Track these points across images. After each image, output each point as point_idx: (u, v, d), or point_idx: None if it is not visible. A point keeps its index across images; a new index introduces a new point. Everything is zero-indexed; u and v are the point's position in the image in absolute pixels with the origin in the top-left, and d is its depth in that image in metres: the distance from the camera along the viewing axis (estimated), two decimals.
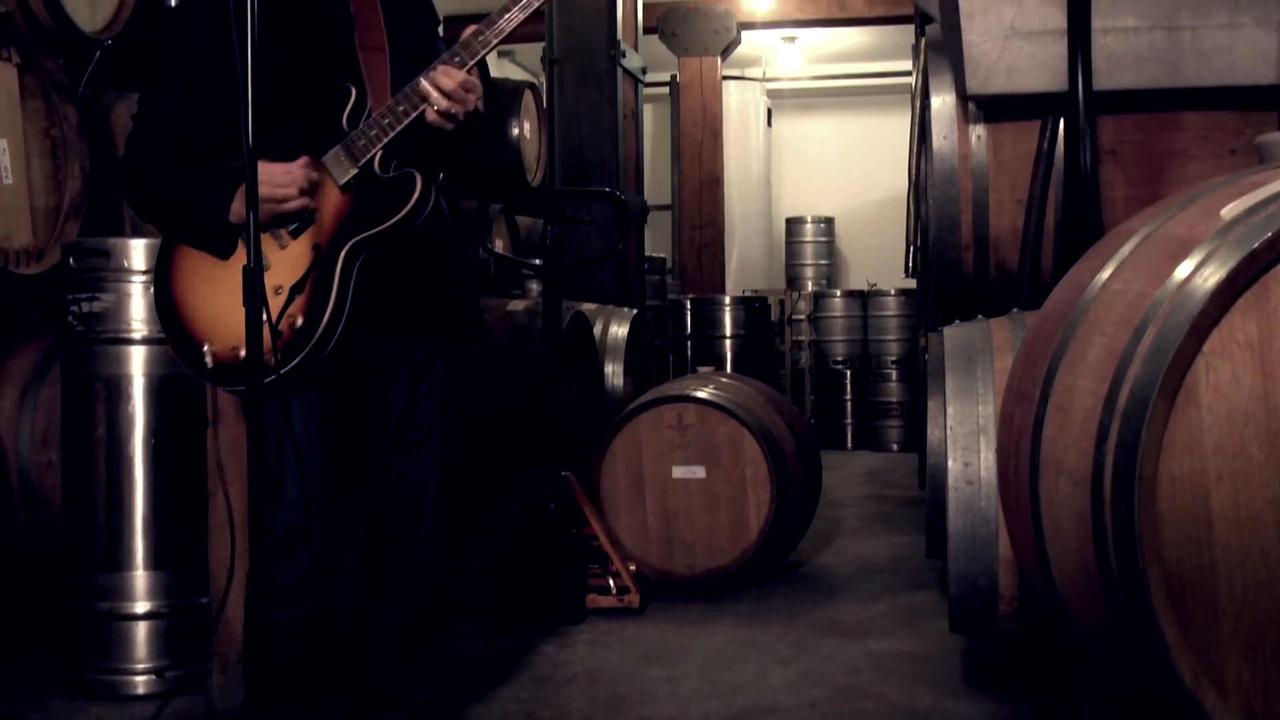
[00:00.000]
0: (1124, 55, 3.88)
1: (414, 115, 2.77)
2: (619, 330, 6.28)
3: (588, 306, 6.19)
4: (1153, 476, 1.96)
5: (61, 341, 4.03)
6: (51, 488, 4.29)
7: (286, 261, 2.81)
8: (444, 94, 2.74)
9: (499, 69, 12.97)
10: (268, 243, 2.79)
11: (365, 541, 3.08)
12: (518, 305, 5.82)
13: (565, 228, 5.23)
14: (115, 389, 3.88)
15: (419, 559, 3.05)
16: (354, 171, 2.81)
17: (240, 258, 2.78)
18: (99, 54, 5.00)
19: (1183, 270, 2.02)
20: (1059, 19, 3.88)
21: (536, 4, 2.70)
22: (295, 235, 2.81)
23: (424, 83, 2.74)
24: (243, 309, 2.66)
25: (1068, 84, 3.88)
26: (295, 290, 2.78)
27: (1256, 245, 1.92)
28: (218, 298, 2.83)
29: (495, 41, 2.78)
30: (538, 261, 5.26)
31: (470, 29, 2.79)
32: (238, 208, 2.77)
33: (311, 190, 2.79)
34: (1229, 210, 2.06)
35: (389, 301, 2.91)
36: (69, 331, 3.94)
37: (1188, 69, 3.86)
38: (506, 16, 2.74)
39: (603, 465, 5.28)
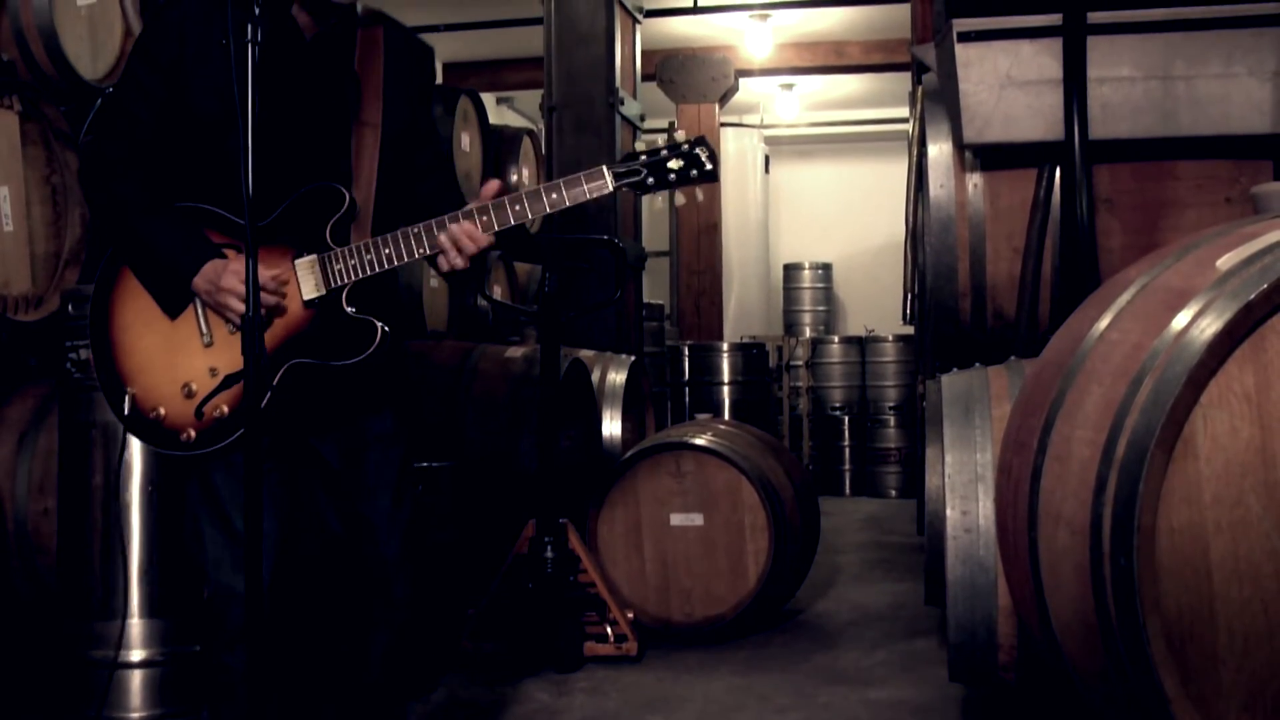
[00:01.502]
0: (1119, 105, 3.90)
1: (398, 264, 2.71)
2: (617, 377, 6.28)
3: (585, 353, 6.19)
4: (1151, 528, 1.95)
5: (60, 388, 4.03)
6: (48, 535, 4.28)
7: (230, 348, 2.71)
8: (462, 254, 2.69)
9: (497, 115, 13.03)
10: (217, 321, 2.73)
11: (337, 586, 3.03)
12: (515, 352, 5.83)
13: (563, 275, 5.24)
14: (113, 436, 3.87)
15: (395, 603, 2.95)
16: (321, 293, 2.73)
17: (186, 317, 2.75)
18: (100, 100, 5.02)
19: (1179, 321, 2.02)
20: (1055, 68, 3.91)
21: (558, 206, 2.68)
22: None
23: (443, 238, 2.69)
24: (173, 371, 2.68)
25: (1064, 133, 3.90)
26: (230, 380, 2.71)
27: (1253, 297, 1.92)
28: (152, 347, 2.77)
29: (529, 220, 2.74)
30: (536, 308, 5.27)
31: (491, 185, 2.74)
32: (199, 283, 2.70)
33: (276, 298, 2.71)
34: (1225, 261, 2.07)
35: (316, 407, 2.84)
36: (67, 378, 3.94)
37: (1183, 118, 3.89)
38: (580, 189, 2.69)
39: (600, 512, 5.27)
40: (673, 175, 2.72)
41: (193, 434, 2.72)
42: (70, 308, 3.95)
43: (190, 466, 2.83)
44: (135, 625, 3.84)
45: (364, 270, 2.72)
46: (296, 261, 2.74)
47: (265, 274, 2.65)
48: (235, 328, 2.71)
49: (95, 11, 4.91)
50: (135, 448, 3.86)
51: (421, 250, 2.71)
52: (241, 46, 2.43)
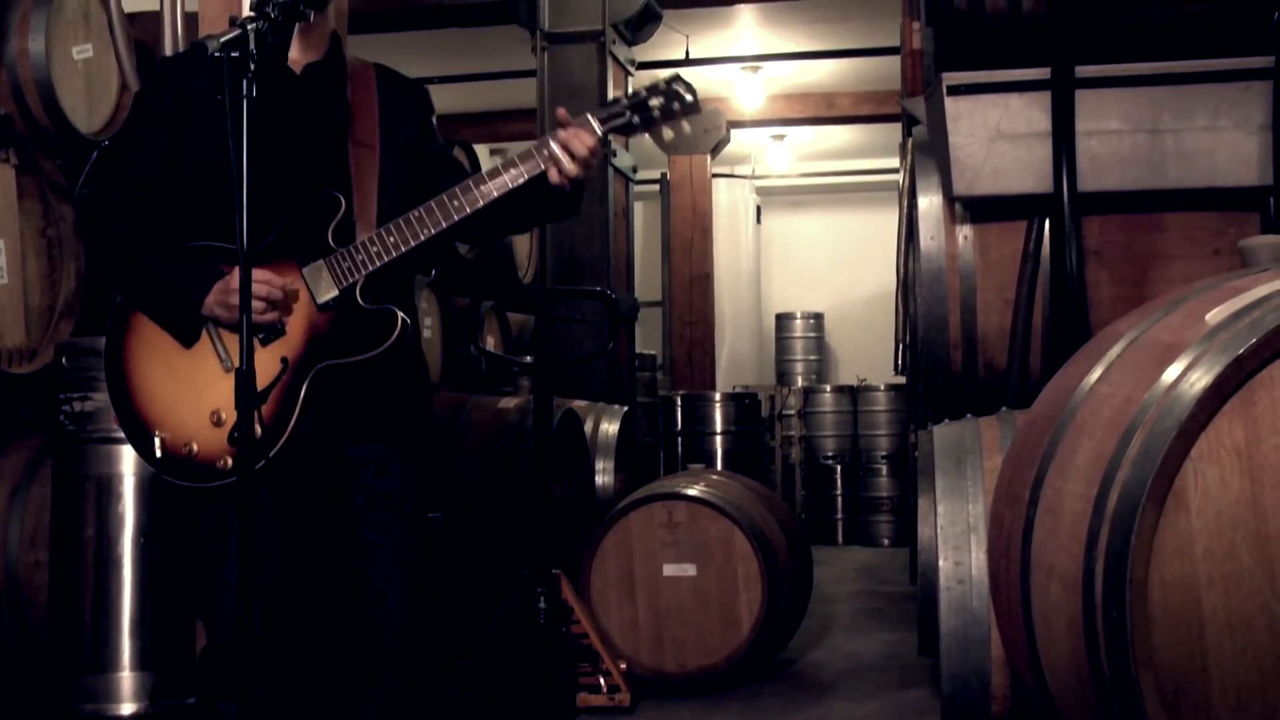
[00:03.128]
0: (1108, 157, 3.94)
1: (406, 249, 2.73)
2: (610, 427, 6.29)
3: (578, 404, 6.20)
4: (1144, 581, 1.96)
5: (53, 440, 4.04)
6: (39, 587, 4.26)
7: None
8: (575, 158, 2.73)
9: (491, 165, 13.09)
10: (234, 342, 2.72)
11: (338, 645, 3.01)
12: (509, 403, 5.83)
13: (557, 326, 5.25)
14: (106, 489, 3.87)
15: (390, 663, 2.92)
16: (334, 293, 2.75)
17: (203, 347, 2.76)
18: (96, 154, 5.06)
19: (1169, 375, 2.04)
20: (1043, 121, 3.95)
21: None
22: (264, 343, 2.73)
23: (554, 147, 2.72)
24: (198, 403, 2.66)
25: (1053, 186, 3.93)
26: (258, 400, 2.67)
27: (1242, 351, 1.94)
28: (173, 385, 2.77)
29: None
30: (529, 359, 5.28)
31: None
32: (211, 301, 2.72)
33: (288, 303, 2.73)
34: (1214, 315, 2.08)
35: (350, 411, 2.85)
36: (60, 431, 3.95)
37: (1170, 171, 3.92)
38: (540, 156, 2.74)
39: (593, 563, 5.26)
40: (656, 112, 2.77)
41: (229, 461, 2.69)
42: (64, 360, 3.96)
43: (203, 508, 2.81)
44: (126, 678, 3.83)
45: (373, 262, 2.74)
46: (304, 270, 2.76)
47: (272, 277, 2.68)
48: (257, 339, 2.70)
49: (91, 66, 4.95)
50: (128, 500, 3.86)
51: (427, 230, 2.72)
52: (237, 102, 2.45)
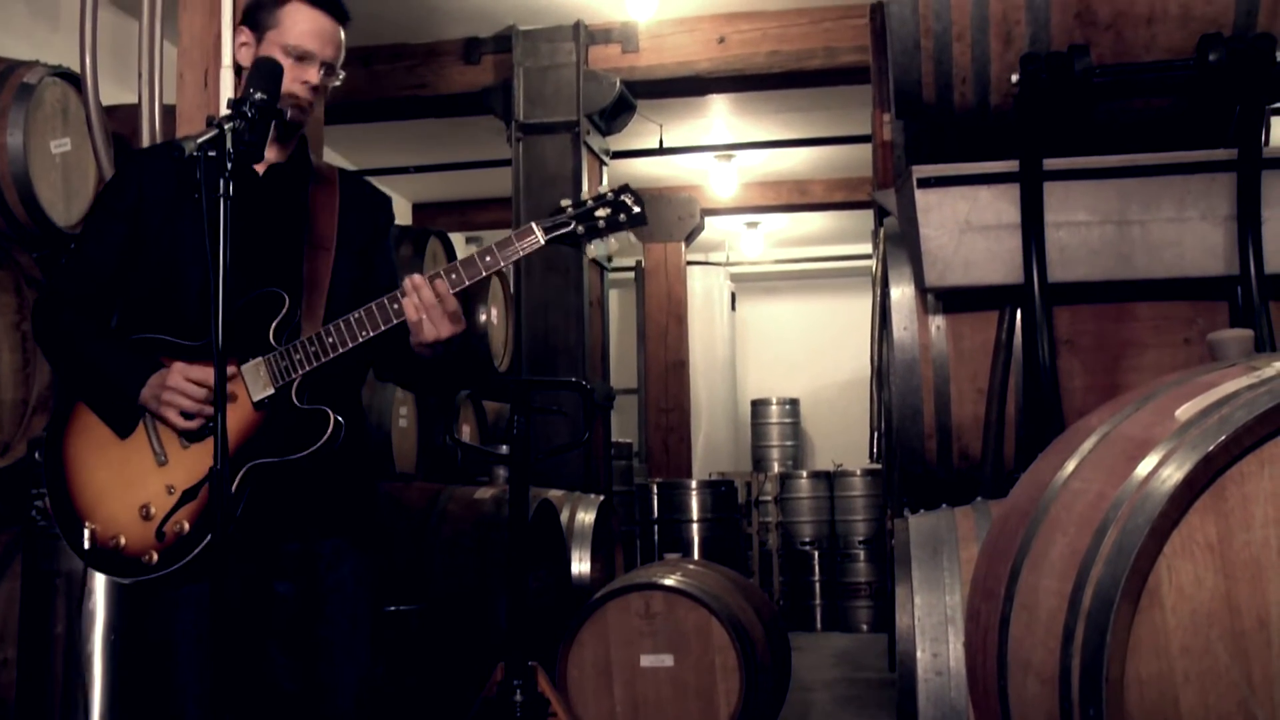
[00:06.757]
0: (1077, 248, 3.97)
1: (344, 350, 2.72)
2: (586, 517, 6.27)
3: (554, 493, 6.18)
4: (1120, 678, 1.96)
5: (24, 536, 4.00)
6: (7, 684, 4.20)
7: (185, 463, 2.73)
8: (442, 313, 2.70)
9: (466, 255, 13.15)
10: (170, 437, 2.74)
11: None
12: (484, 493, 5.82)
13: (532, 416, 5.25)
14: (77, 584, 3.83)
15: None
16: (270, 391, 2.75)
17: (138, 439, 2.75)
18: (73, 246, 5.06)
19: (1141, 471, 2.05)
20: (1012, 213, 3.98)
21: (537, 244, 2.72)
22: (197, 439, 2.73)
23: (409, 304, 2.69)
24: (129, 495, 2.67)
25: (1023, 276, 3.96)
26: (188, 495, 2.70)
27: (1211, 448, 1.95)
28: (106, 474, 2.77)
29: (466, 284, 2.75)
30: (504, 449, 5.27)
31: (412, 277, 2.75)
32: (147, 394, 2.72)
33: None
34: (1184, 411, 2.10)
35: (289, 507, 2.83)
36: (32, 526, 3.92)
37: (1139, 261, 3.95)
38: (512, 248, 2.73)
39: (570, 654, 5.23)
40: (601, 223, 2.75)
41: (155, 555, 2.68)
42: (36, 455, 3.95)
43: (153, 608, 2.79)
44: None
45: (310, 362, 2.73)
46: (243, 366, 2.75)
47: (207, 374, 2.65)
48: (187, 442, 2.72)
49: (69, 159, 4.97)
50: (99, 596, 3.82)
51: (365, 332, 2.71)
52: (214, 201, 2.47)
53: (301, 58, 2.89)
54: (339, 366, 2.79)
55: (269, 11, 2.93)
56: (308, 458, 2.75)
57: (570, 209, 2.77)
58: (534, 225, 2.75)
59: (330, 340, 2.73)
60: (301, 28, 2.90)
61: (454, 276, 2.75)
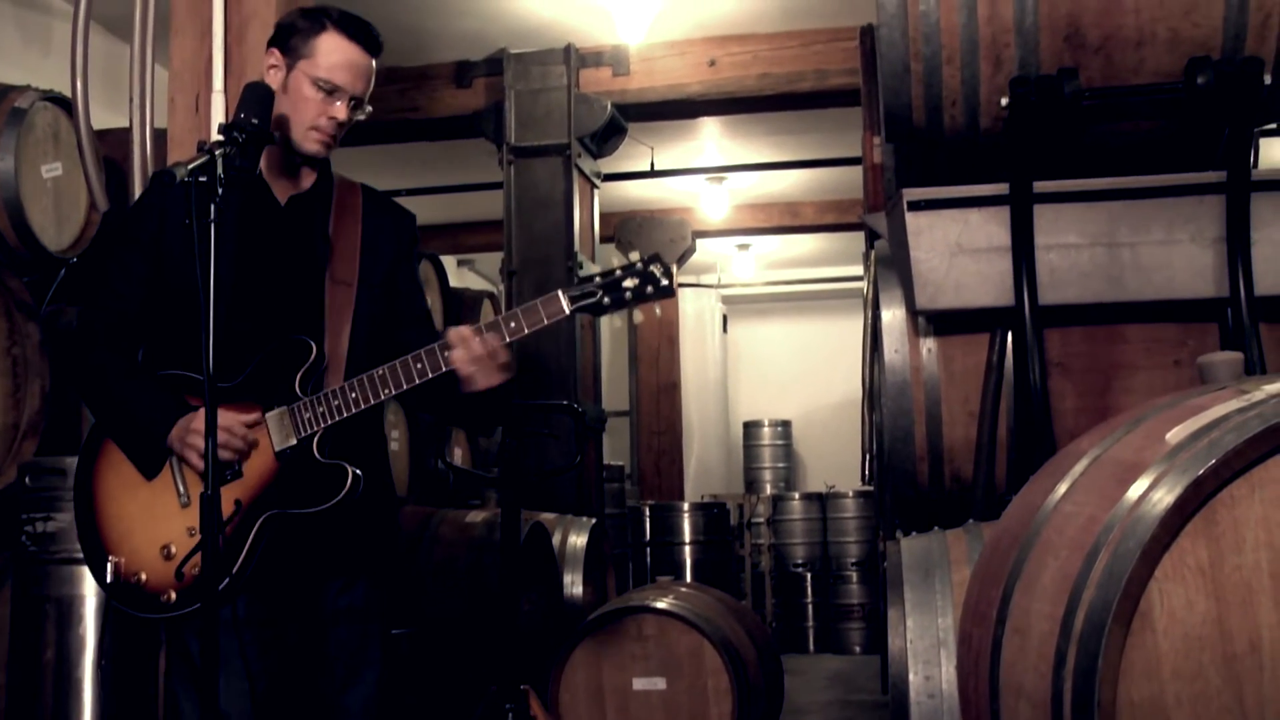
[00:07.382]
0: (1067, 271, 3.98)
1: (366, 406, 2.73)
2: (577, 540, 6.26)
3: (546, 516, 6.17)
4: (1112, 702, 1.96)
5: (14, 561, 3.99)
6: None
7: None
8: (492, 363, 2.70)
9: (458, 278, 13.17)
10: (194, 479, 2.74)
11: None
12: (476, 517, 5.81)
13: (524, 439, 5.25)
14: (67, 610, 3.82)
15: None
16: (292, 442, 2.75)
17: (164, 479, 2.77)
18: (64, 271, 5.06)
19: (1132, 494, 2.05)
20: (1003, 236, 3.99)
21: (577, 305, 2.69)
22: (222, 483, 2.70)
23: (458, 355, 2.68)
24: (153, 533, 2.68)
25: (1014, 299, 3.97)
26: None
27: (1201, 472, 1.95)
28: (134, 512, 2.78)
29: (521, 334, 2.71)
30: (496, 473, 5.26)
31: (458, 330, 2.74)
32: (173, 436, 2.73)
33: (247, 447, 2.73)
34: (1174, 434, 2.10)
35: (307, 556, 2.84)
36: (22, 551, 3.91)
37: (1129, 284, 3.96)
38: (537, 315, 2.69)
39: (562, 677, 5.21)
40: (629, 294, 2.70)
41: (173, 595, 2.71)
42: (27, 480, 3.93)
43: (166, 636, 2.81)
44: None
45: (331, 416, 2.73)
46: (267, 415, 2.76)
47: (236, 419, 2.68)
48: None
49: (61, 184, 4.97)
50: (89, 622, 3.81)
51: (388, 390, 2.71)
52: (204, 227, 2.47)
53: (332, 91, 2.87)
54: (363, 417, 2.80)
55: (303, 39, 2.89)
56: (329, 509, 2.76)
57: (598, 279, 2.73)
58: (560, 294, 2.71)
59: (354, 395, 2.74)
60: (334, 59, 2.87)
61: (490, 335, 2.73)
